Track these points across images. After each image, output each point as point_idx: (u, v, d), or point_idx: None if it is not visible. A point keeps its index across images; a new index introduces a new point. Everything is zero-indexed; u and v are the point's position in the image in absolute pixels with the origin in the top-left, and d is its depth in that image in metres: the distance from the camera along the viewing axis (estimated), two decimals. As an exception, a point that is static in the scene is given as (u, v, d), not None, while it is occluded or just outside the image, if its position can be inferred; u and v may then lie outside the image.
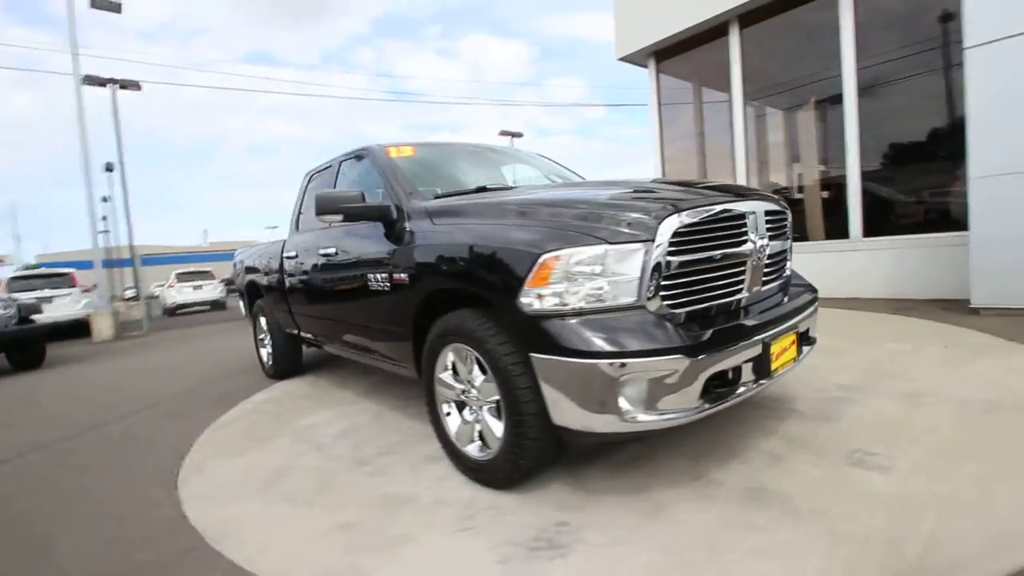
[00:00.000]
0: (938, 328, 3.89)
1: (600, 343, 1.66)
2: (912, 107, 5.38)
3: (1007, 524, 1.55)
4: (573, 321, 1.72)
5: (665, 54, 7.06)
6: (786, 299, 2.26)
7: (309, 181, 3.81)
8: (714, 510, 1.78)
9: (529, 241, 1.79)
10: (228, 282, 26.88)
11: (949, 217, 5.05)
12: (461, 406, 2.26)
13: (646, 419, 1.69)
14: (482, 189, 2.69)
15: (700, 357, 1.70)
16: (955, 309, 4.35)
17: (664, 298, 1.76)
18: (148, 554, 1.91)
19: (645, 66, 7.31)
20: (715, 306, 1.92)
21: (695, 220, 1.81)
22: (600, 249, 1.71)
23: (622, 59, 7.33)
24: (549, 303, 1.75)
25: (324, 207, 2.58)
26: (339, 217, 2.59)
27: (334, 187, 3.33)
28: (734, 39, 6.26)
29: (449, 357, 2.22)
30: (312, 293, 3.45)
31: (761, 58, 6.25)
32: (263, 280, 4.39)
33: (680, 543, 1.62)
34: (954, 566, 1.40)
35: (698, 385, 1.71)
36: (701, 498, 1.87)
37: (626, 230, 1.73)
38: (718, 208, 1.88)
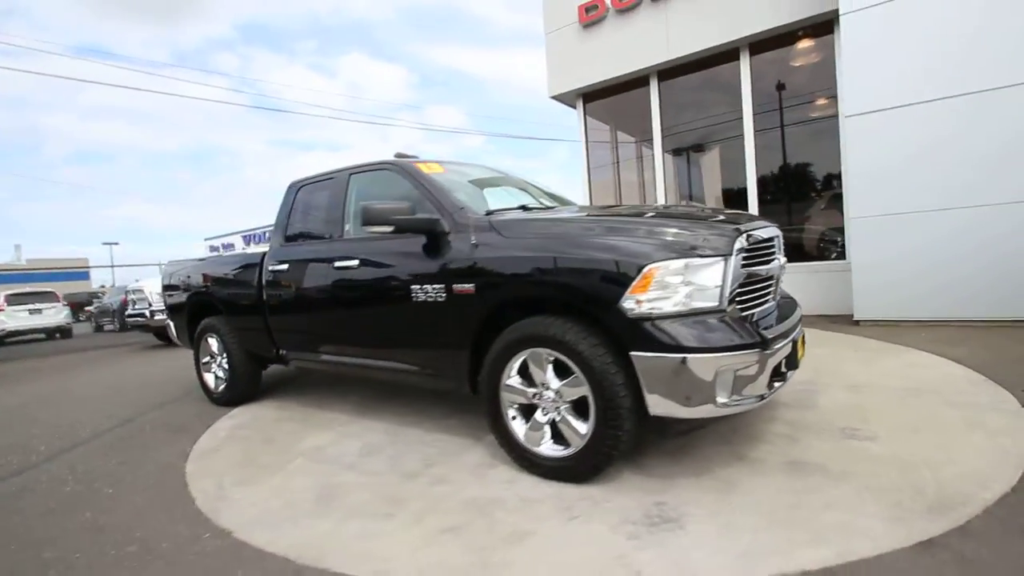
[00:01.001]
0: (840, 337, 4.83)
1: (703, 340, 1.95)
2: (795, 154, 6.62)
3: (972, 468, 2.11)
4: (672, 323, 1.99)
5: (592, 96, 7.81)
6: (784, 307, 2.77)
7: (297, 192, 3.65)
8: (772, 481, 2.14)
9: (634, 253, 2.04)
10: (80, 305, 22.73)
11: (832, 248, 6.28)
12: (529, 409, 2.40)
13: (733, 404, 2.01)
14: (524, 208, 2.89)
15: (768, 351, 2.07)
16: (841, 322, 5.41)
17: (734, 304, 2.12)
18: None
19: (574, 106, 8.01)
20: (757, 311, 2.32)
21: (752, 240, 2.21)
22: (693, 261, 2.01)
23: (553, 97, 7.95)
24: (647, 308, 2.01)
25: (374, 218, 2.59)
26: (388, 228, 2.61)
27: (344, 199, 3.26)
28: (654, 89, 7.18)
29: (517, 363, 2.36)
30: (313, 307, 3.30)
31: (675, 106, 7.23)
32: (222, 296, 4.03)
33: (764, 508, 1.94)
34: (963, 498, 1.89)
35: (767, 374, 2.08)
36: (756, 474, 2.22)
37: (711, 246, 2.06)
38: (765, 232, 2.31)
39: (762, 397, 2.08)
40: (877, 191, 5.04)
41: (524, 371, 2.38)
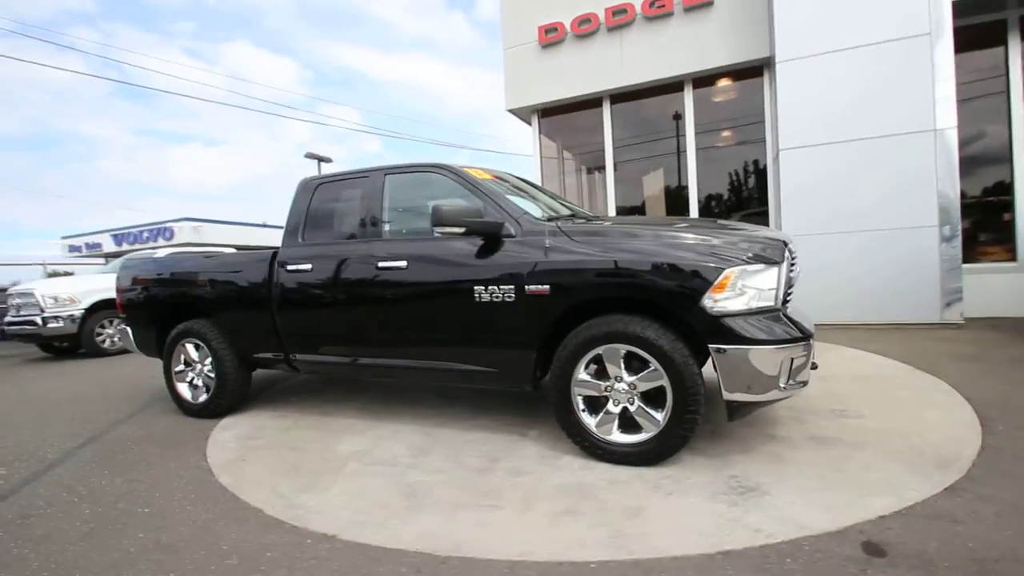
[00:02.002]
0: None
1: (771, 333, 2.31)
2: (726, 178, 7.52)
3: (946, 434, 2.69)
4: (744, 319, 2.33)
5: (547, 113, 8.22)
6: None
7: (315, 191, 3.52)
8: (808, 453, 2.56)
9: (714, 259, 2.35)
10: None
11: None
12: (598, 401, 2.61)
13: (789, 389, 2.38)
14: (572, 216, 3.10)
15: (812, 343, 2.48)
16: (773, 325, 6.27)
17: (784, 304, 2.52)
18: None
19: (529, 121, 8.35)
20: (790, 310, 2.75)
21: (791, 250, 2.64)
22: (758, 267, 2.37)
23: (510, 111, 8.24)
24: (722, 306, 2.33)
25: (447, 219, 2.66)
26: (460, 230, 2.70)
27: (381, 199, 3.24)
28: (607, 111, 7.75)
29: (589, 359, 2.57)
30: (345, 308, 3.21)
31: (624, 126, 7.86)
32: (212, 297, 3.73)
33: (817, 473, 2.34)
34: (953, 456, 2.43)
35: (811, 362, 2.49)
36: (791, 448, 2.63)
37: (769, 255, 2.43)
38: (792, 245, 2.75)
39: (804, 383, 2.48)
40: (802, 213, 5.94)
41: (594, 366, 2.59)
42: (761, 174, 7.05)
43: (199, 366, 3.87)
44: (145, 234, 30.48)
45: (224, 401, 3.78)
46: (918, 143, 5.47)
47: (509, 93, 8.04)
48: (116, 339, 7.71)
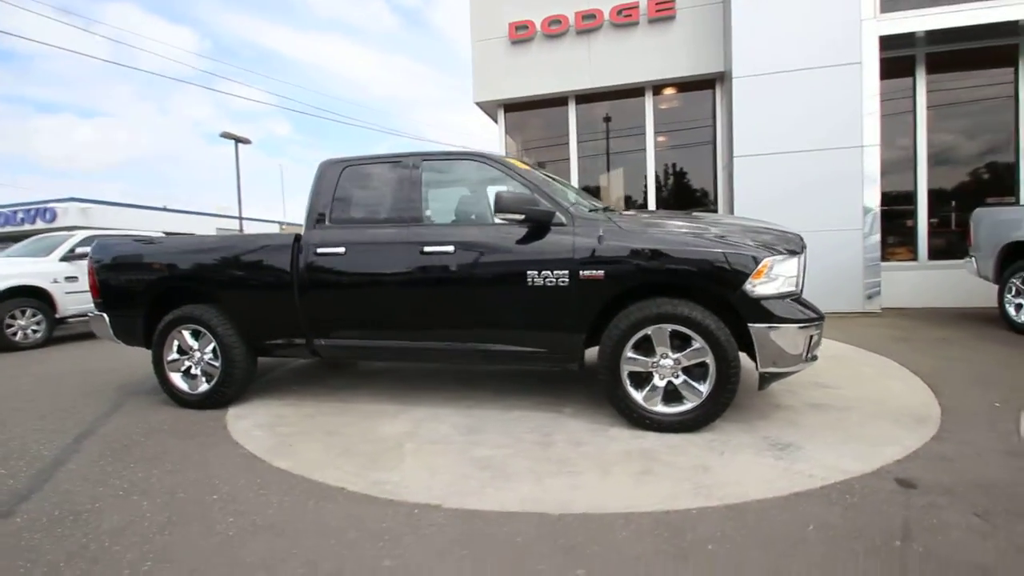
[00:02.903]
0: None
1: (801, 313, 2.70)
2: (681, 176, 8.15)
3: (912, 400, 3.27)
4: (776, 302, 2.71)
5: (512, 108, 8.40)
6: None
7: (342, 174, 3.46)
8: (813, 416, 3.00)
9: (754, 249, 2.70)
10: None
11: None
12: (642, 377, 2.88)
13: (808, 362, 2.79)
14: (607, 209, 3.33)
15: (823, 320, 2.92)
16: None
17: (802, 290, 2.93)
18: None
19: (494, 114, 8.48)
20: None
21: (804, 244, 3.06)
22: (787, 257, 2.76)
23: (477, 104, 8.32)
24: (760, 291, 2.69)
25: (508, 206, 2.81)
26: (519, 216, 2.84)
27: (420, 185, 3.28)
28: (572, 110, 8.09)
29: (637, 338, 2.83)
30: (383, 292, 3.22)
31: (590, 124, 8.25)
32: (221, 280, 3.55)
33: (829, 430, 2.77)
34: (924, 416, 2.97)
35: (822, 339, 2.93)
36: (798, 413, 3.07)
37: (793, 246, 2.83)
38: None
39: (816, 357, 2.91)
40: (754, 213, 6.63)
41: (640, 345, 2.86)
42: (712, 176, 7.74)
43: (197, 354, 3.65)
44: (20, 215, 26.67)
45: (229, 390, 3.61)
46: (848, 157, 6.33)
47: (477, 86, 8.13)
48: (33, 331, 6.87)
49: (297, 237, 3.43)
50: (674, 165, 8.03)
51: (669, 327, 2.78)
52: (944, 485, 2.14)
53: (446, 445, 2.81)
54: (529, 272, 2.94)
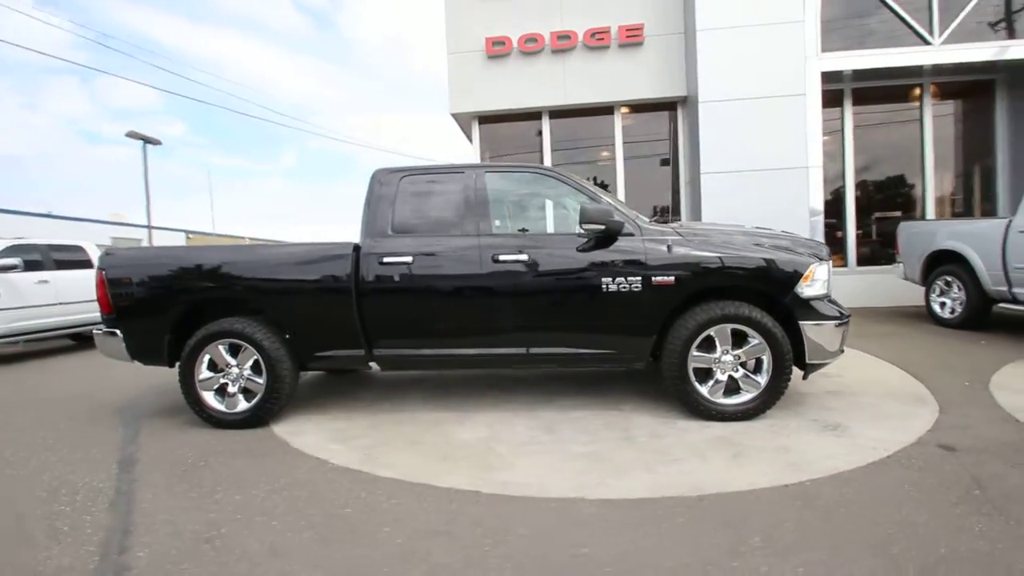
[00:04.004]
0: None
1: (839, 312, 3.15)
2: (646, 189, 8.74)
3: (903, 384, 3.86)
4: (819, 302, 3.14)
5: (486, 120, 8.57)
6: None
7: (400, 183, 3.46)
8: (839, 400, 3.47)
9: (804, 256, 3.11)
10: None
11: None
12: (705, 372, 3.19)
13: (840, 353, 3.25)
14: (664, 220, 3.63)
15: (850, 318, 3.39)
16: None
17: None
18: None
19: (469, 126, 8.60)
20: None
21: (824, 252, 3.55)
22: (822, 262, 3.20)
23: (453, 115, 8.39)
24: (807, 292, 3.11)
25: (595, 218, 3.04)
26: (602, 227, 3.06)
27: (485, 196, 3.38)
28: (546, 125, 8.42)
29: (701, 337, 3.14)
30: (455, 301, 3.28)
31: (563, 138, 8.62)
32: (270, 290, 3.41)
33: (856, 411, 3.23)
34: (921, 396, 3.55)
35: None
36: (824, 399, 3.53)
37: (824, 253, 3.28)
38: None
39: (844, 350, 3.38)
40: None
41: (701, 343, 3.17)
42: (674, 190, 8.40)
43: (235, 370, 3.46)
44: None
45: (275, 407, 3.46)
46: (796, 176, 7.20)
47: (453, 98, 8.21)
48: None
49: (356, 247, 3.38)
50: (641, 179, 8.60)
51: (730, 326, 3.11)
52: (976, 447, 2.63)
53: (538, 446, 2.93)
54: (604, 279, 3.16)
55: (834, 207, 8.10)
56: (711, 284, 3.16)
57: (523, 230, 3.48)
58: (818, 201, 7.26)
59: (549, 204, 3.59)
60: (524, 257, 3.23)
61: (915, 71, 7.51)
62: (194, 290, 3.46)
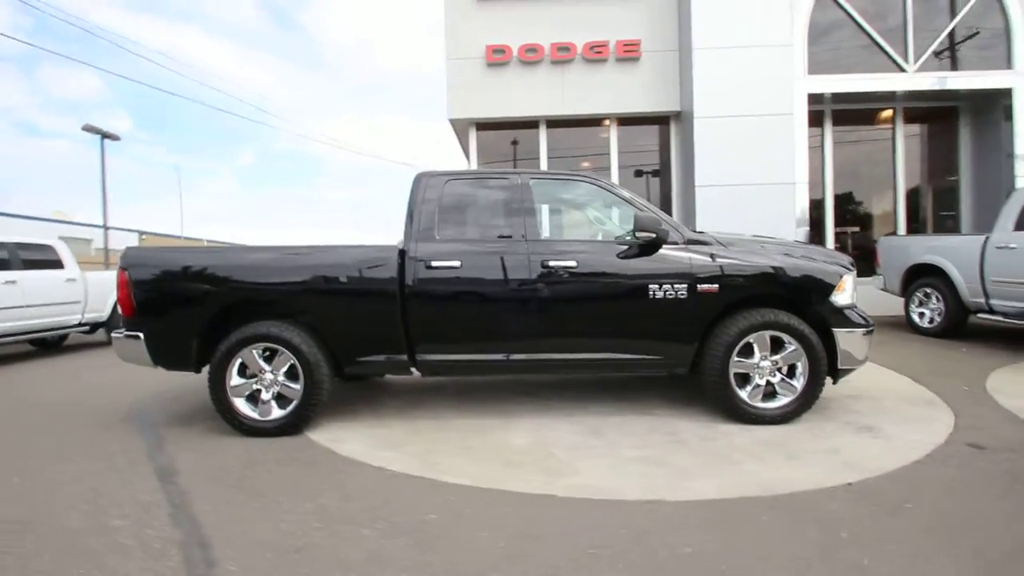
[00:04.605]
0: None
1: (867, 320, 3.34)
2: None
3: (908, 388, 4.12)
4: (851, 310, 3.32)
5: (484, 127, 8.60)
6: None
7: (444, 187, 3.45)
8: (860, 403, 3.66)
9: (837, 267, 3.29)
10: None
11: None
12: (743, 378, 3.31)
13: (866, 360, 3.44)
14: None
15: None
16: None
17: (852, 300, 3.59)
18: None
19: (466, 132, 8.60)
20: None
21: (846, 264, 3.75)
22: (850, 273, 3.39)
23: (450, 120, 8.38)
24: (840, 301, 3.29)
25: (648, 226, 3.13)
26: (653, 235, 3.15)
27: (533, 202, 3.42)
28: (543, 134, 8.53)
29: (741, 344, 3.26)
30: (503, 306, 3.29)
31: (559, 148, 8.75)
32: (306, 295, 3.32)
33: (881, 414, 3.43)
34: (929, 398, 3.80)
35: (868, 342, 3.61)
36: (846, 402, 3.71)
37: (850, 264, 3.48)
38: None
39: (868, 358, 3.58)
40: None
41: (742, 350, 3.29)
42: (667, 201, 8.65)
43: (269, 376, 3.35)
44: None
45: (312, 414, 3.37)
46: (784, 191, 7.56)
47: (452, 103, 8.20)
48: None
49: (402, 251, 3.35)
50: (633, 189, 8.80)
51: (769, 333, 3.25)
52: (1000, 446, 2.84)
53: (590, 450, 2.97)
54: (651, 286, 3.24)
55: (815, 221, 8.53)
56: (753, 292, 3.29)
57: (573, 236, 3.53)
58: (804, 215, 7.64)
59: (592, 212, 3.65)
60: (573, 263, 3.28)
61: (889, 96, 8.04)
62: (228, 292, 3.34)
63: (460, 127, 8.65)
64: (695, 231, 3.56)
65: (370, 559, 1.90)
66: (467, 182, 3.53)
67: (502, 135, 8.75)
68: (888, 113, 8.52)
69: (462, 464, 2.80)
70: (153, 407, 4.11)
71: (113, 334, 3.51)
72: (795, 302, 3.33)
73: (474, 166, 8.58)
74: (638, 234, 3.15)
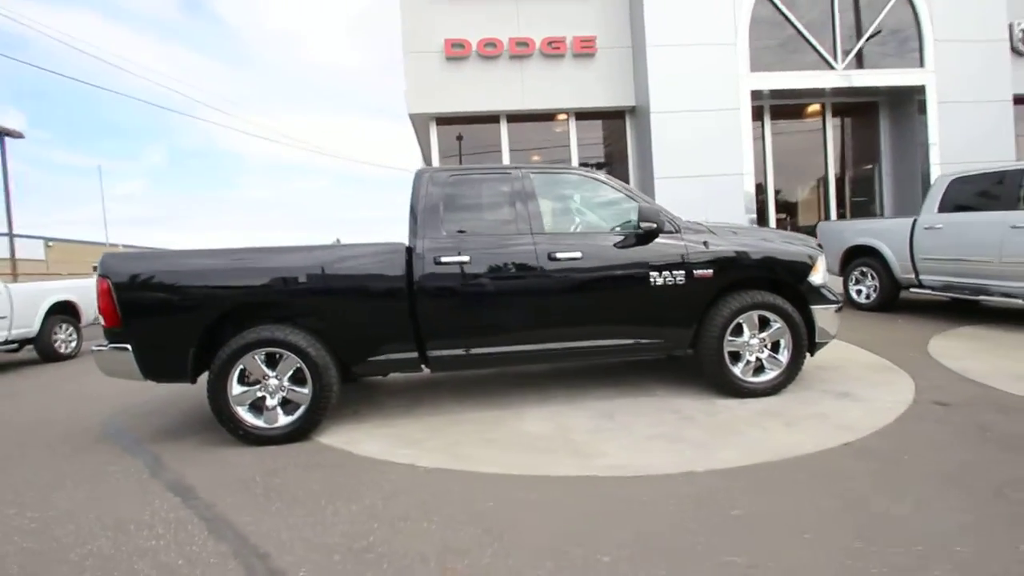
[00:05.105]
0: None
1: (839, 298, 3.69)
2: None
3: (869, 357, 4.58)
4: (824, 289, 3.66)
5: (445, 121, 8.54)
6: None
7: (448, 184, 3.45)
8: (831, 372, 4.04)
9: (812, 250, 3.60)
10: None
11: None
12: (734, 356, 3.57)
13: (835, 336, 3.80)
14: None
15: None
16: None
17: (822, 280, 3.95)
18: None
19: (426, 127, 8.50)
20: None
21: (813, 247, 4.11)
22: (822, 255, 3.73)
23: (411, 115, 8.25)
24: (816, 281, 3.62)
25: (650, 217, 3.31)
26: (654, 225, 3.32)
27: (535, 196, 3.49)
28: (503, 128, 8.58)
29: (733, 324, 3.52)
30: (511, 299, 3.35)
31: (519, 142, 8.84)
32: (313, 295, 3.24)
33: (851, 380, 3.81)
34: (887, 364, 4.25)
35: (836, 317, 3.98)
36: (817, 372, 4.09)
37: (818, 248, 3.82)
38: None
39: (838, 332, 3.94)
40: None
41: (732, 329, 3.55)
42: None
43: (273, 381, 3.25)
44: None
45: (320, 417, 3.29)
46: (733, 181, 8.07)
47: (411, 98, 8.10)
48: None
49: (408, 248, 3.33)
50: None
51: (757, 313, 3.52)
52: (960, 402, 3.25)
53: (609, 432, 3.10)
54: (651, 273, 3.42)
55: (760, 208, 9.16)
56: (744, 276, 3.55)
57: (575, 229, 3.64)
58: (751, 203, 8.19)
59: (591, 204, 3.79)
60: (579, 255, 3.40)
61: (819, 92, 8.75)
62: (228, 296, 3.19)
63: (419, 122, 8.55)
64: (687, 221, 3.78)
65: (446, 550, 1.94)
66: (470, 178, 3.55)
67: (462, 129, 8.73)
68: (818, 107, 9.28)
69: (491, 455, 2.86)
70: (128, 424, 3.85)
71: (93, 347, 3.25)
72: (778, 283, 3.63)
73: (436, 162, 8.52)
74: (642, 224, 3.31)
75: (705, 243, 3.52)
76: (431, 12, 8.03)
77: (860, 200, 9.77)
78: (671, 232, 3.51)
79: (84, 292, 8.89)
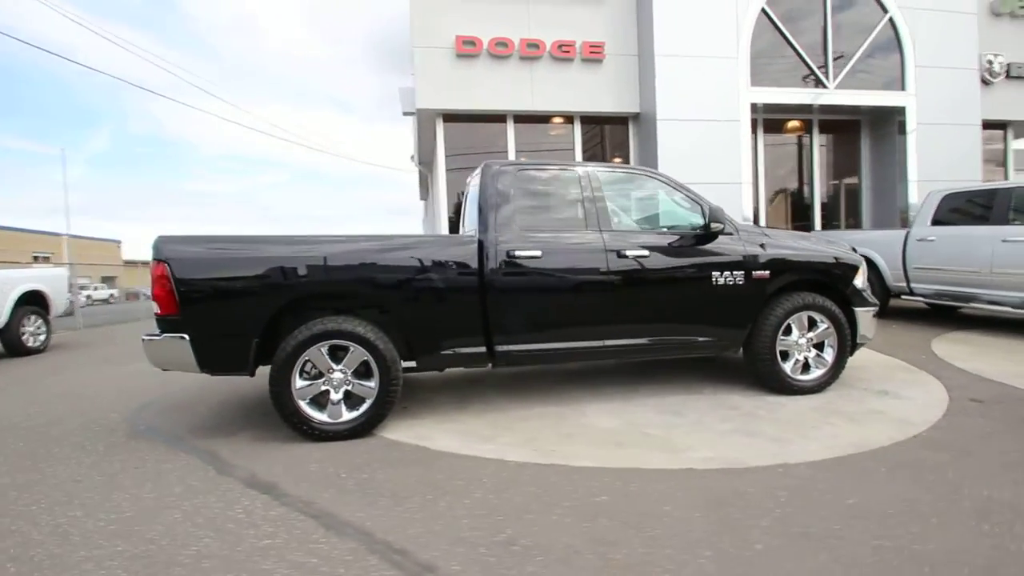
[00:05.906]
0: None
1: (876, 300, 3.90)
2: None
3: (884, 357, 4.85)
4: (866, 292, 3.86)
5: (452, 119, 8.46)
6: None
7: (515, 178, 3.43)
8: (865, 372, 4.26)
9: (859, 256, 3.79)
10: None
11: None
12: (783, 355, 3.71)
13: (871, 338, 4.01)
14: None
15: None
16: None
17: (860, 285, 4.16)
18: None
19: (432, 122, 8.39)
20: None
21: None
22: (863, 260, 3.94)
23: (419, 110, 8.13)
24: (859, 284, 3.82)
25: (718, 218, 3.41)
26: (723, 226, 3.42)
27: (603, 193, 3.53)
28: (511, 128, 8.58)
29: (785, 324, 3.66)
30: (582, 294, 3.37)
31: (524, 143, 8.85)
32: (384, 287, 3.15)
33: (885, 380, 4.03)
34: (905, 365, 4.52)
35: (867, 319, 4.20)
36: (851, 372, 4.30)
37: (856, 253, 4.03)
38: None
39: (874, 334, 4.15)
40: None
41: (784, 330, 3.69)
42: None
43: (337, 375, 3.14)
44: None
45: (386, 412, 3.22)
46: (733, 189, 8.37)
47: (420, 94, 7.98)
48: None
49: (480, 241, 3.29)
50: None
51: (807, 314, 3.68)
52: (991, 399, 3.50)
53: (680, 428, 3.16)
54: (714, 273, 3.51)
55: (753, 217, 9.53)
56: (797, 278, 3.70)
57: (643, 227, 3.71)
58: (749, 211, 8.51)
59: (655, 203, 3.87)
60: (646, 253, 3.45)
61: (808, 108, 9.21)
62: (298, 285, 3.06)
63: (426, 118, 8.43)
64: (741, 223, 3.91)
65: (594, 541, 1.93)
66: (536, 173, 3.55)
67: (467, 128, 8.68)
68: (799, 124, 9.76)
69: (577, 449, 2.86)
70: (157, 420, 3.64)
71: (145, 336, 3.05)
72: (826, 285, 3.80)
73: (442, 159, 8.43)
74: (712, 225, 3.40)
75: (762, 245, 3.65)
76: (443, 7, 7.95)
77: (844, 211, 10.33)
78: (730, 234, 3.62)
79: (54, 282, 8.32)
